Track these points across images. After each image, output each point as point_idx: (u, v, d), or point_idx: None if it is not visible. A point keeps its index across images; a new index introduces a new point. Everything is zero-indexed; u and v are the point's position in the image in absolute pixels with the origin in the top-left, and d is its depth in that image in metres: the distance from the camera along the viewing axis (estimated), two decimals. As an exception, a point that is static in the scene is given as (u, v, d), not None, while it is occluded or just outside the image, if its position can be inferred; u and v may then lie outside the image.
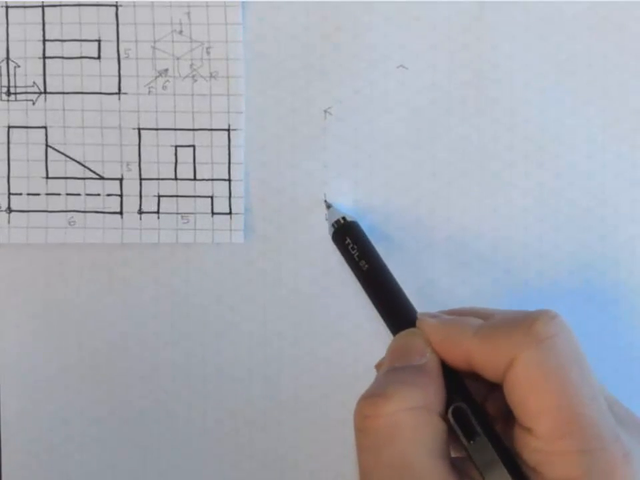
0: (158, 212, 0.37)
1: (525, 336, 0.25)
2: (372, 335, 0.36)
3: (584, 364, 0.26)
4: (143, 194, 0.37)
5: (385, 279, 0.32)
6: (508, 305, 0.36)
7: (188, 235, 0.36)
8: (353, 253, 0.33)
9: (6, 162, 0.37)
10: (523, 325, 0.26)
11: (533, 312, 0.26)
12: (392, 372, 0.27)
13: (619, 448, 0.25)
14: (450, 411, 0.27)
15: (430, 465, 0.25)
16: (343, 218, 0.35)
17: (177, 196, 0.36)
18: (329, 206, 0.36)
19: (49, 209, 0.37)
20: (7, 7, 0.36)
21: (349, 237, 0.34)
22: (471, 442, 0.26)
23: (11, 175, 0.37)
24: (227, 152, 0.36)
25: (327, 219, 0.36)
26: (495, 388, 0.28)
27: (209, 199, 0.36)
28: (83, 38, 0.36)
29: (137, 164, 0.36)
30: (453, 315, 0.30)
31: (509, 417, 0.28)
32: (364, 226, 0.36)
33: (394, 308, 0.31)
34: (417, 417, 0.26)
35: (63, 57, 0.36)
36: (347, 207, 0.36)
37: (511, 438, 0.26)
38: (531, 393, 0.25)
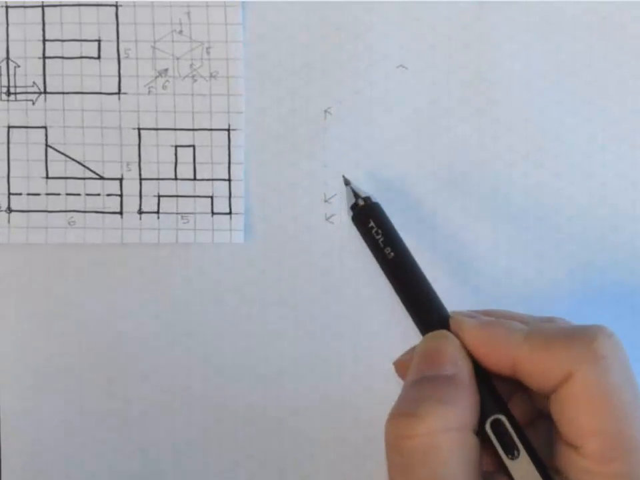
0: (158, 212, 0.37)
1: (585, 351, 0.25)
2: (372, 335, 0.36)
3: (636, 385, 0.25)
4: (143, 194, 0.37)
5: (413, 269, 0.30)
6: (508, 305, 0.36)
7: (188, 235, 0.36)
8: (378, 238, 0.30)
9: (6, 162, 0.37)
10: (583, 339, 0.25)
11: (591, 327, 0.26)
12: (423, 384, 0.26)
13: None
14: (488, 423, 0.26)
15: None
16: (368, 198, 0.32)
17: (177, 196, 0.36)
18: (347, 182, 0.34)
19: (49, 209, 0.37)
20: (6, 7, 0.36)
21: (372, 219, 0.31)
22: (510, 457, 0.26)
23: (11, 175, 0.37)
24: (227, 152, 0.36)
25: (347, 201, 0.34)
26: (516, 392, 0.28)
27: (209, 199, 0.36)
28: (83, 38, 0.36)
29: (137, 164, 0.36)
30: (487, 315, 0.29)
31: (536, 426, 0.27)
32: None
33: (424, 304, 0.29)
34: (451, 439, 0.25)
35: (62, 57, 0.36)
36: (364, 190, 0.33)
37: (552, 453, 0.26)
38: (586, 410, 0.25)
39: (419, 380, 0.27)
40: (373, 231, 0.31)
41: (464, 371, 0.27)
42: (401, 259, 0.30)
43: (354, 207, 0.32)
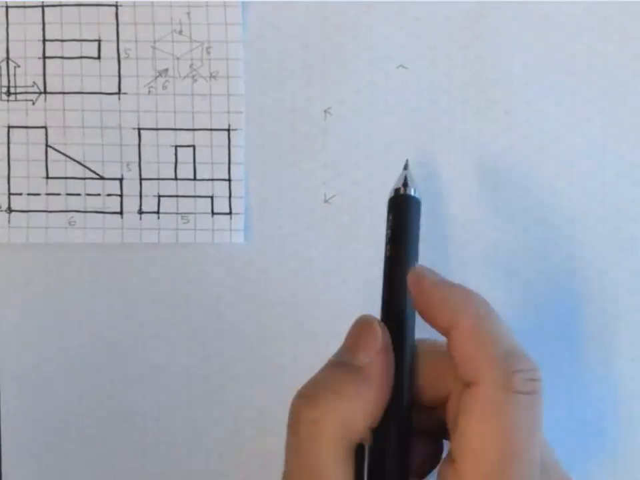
0: (158, 212, 0.37)
1: (500, 373, 0.25)
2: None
3: (539, 429, 0.26)
4: (143, 194, 0.37)
5: (398, 271, 0.30)
6: (508, 304, 0.36)
7: (188, 235, 0.36)
8: (387, 232, 0.31)
9: (6, 162, 0.37)
10: (506, 362, 0.26)
11: (524, 358, 0.26)
12: (333, 369, 0.27)
13: None
14: (355, 448, 0.26)
15: (334, 475, 0.25)
16: (403, 188, 0.32)
17: (177, 196, 0.36)
18: (405, 167, 0.33)
19: (49, 209, 0.37)
20: (7, 7, 0.36)
21: (393, 212, 0.31)
22: None
23: (11, 175, 0.37)
24: (227, 152, 0.36)
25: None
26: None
27: (209, 199, 0.36)
28: (83, 38, 0.36)
29: (137, 164, 0.37)
30: None
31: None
32: (364, 227, 0.36)
33: (391, 302, 0.29)
34: (339, 430, 0.25)
35: (62, 57, 0.36)
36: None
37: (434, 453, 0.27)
38: (476, 427, 0.25)
39: (333, 363, 0.27)
40: (388, 224, 0.31)
41: (376, 365, 0.27)
42: (394, 259, 0.30)
43: (396, 191, 0.32)
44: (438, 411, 0.28)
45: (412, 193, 0.31)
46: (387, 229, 0.31)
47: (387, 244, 0.30)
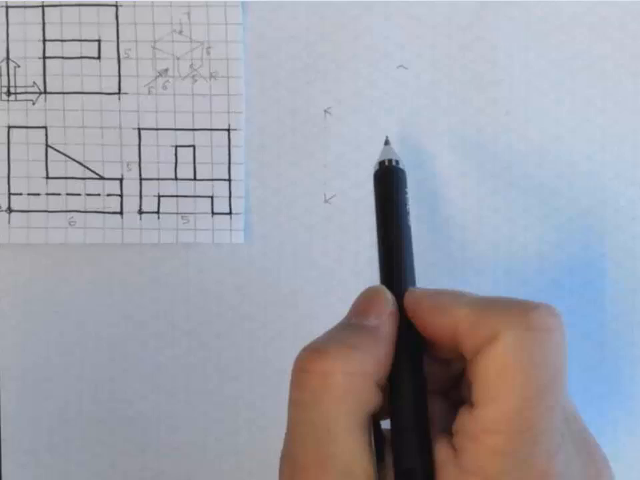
0: (158, 212, 0.37)
1: (518, 317, 0.24)
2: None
3: (561, 372, 0.25)
4: (143, 194, 0.37)
5: (394, 243, 0.30)
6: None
7: (188, 235, 0.36)
8: (376, 206, 0.31)
9: (6, 162, 0.37)
10: (521, 307, 0.25)
11: (537, 302, 0.25)
12: (343, 329, 0.27)
13: (546, 465, 0.24)
14: (373, 421, 0.26)
15: (347, 433, 0.25)
16: (389, 161, 0.32)
17: (177, 196, 0.36)
18: (387, 142, 0.34)
19: (49, 209, 0.37)
20: (7, 7, 0.36)
21: (379, 185, 0.32)
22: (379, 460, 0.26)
23: (11, 175, 0.37)
24: (227, 152, 0.36)
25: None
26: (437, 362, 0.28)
27: (209, 199, 0.36)
28: (83, 38, 0.36)
29: (137, 164, 0.37)
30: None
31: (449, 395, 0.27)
32: (364, 227, 0.36)
33: (393, 272, 0.30)
34: (350, 383, 0.25)
35: (62, 57, 0.36)
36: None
37: (453, 413, 0.26)
38: (495, 374, 0.24)
39: (343, 325, 0.27)
40: (376, 198, 0.31)
41: (386, 326, 0.27)
42: (386, 233, 0.30)
43: (380, 164, 0.32)
44: (453, 365, 0.28)
45: (395, 166, 0.32)
46: (376, 203, 0.31)
47: (377, 218, 0.31)
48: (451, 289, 0.29)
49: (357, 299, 0.28)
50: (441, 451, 0.25)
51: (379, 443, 0.26)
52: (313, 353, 0.25)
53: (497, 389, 0.24)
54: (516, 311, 0.25)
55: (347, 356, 0.25)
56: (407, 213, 0.31)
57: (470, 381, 0.25)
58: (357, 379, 0.25)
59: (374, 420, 0.26)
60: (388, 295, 0.28)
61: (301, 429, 0.25)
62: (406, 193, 0.32)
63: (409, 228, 0.31)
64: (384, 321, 0.27)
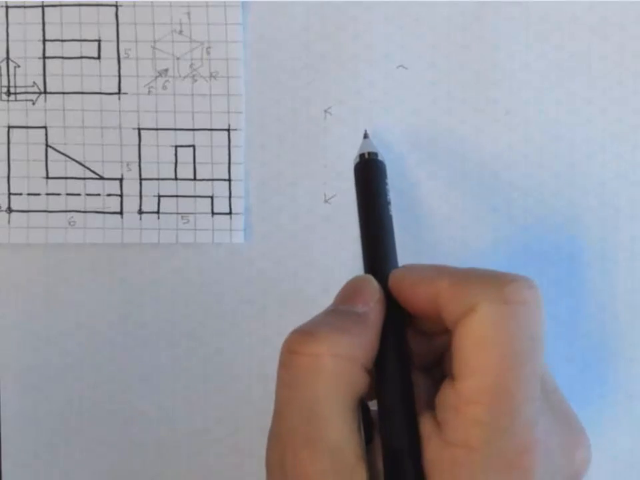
0: (158, 212, 0.37)
1: (494, 290, 0.25)
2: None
3: (537, 343, 0.25)
4: (143, 194, 0.37)
5: (376, 233, 0.31)
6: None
7: (188, 235, 0.36)
8: (357, 198, 0.32)
9: (6, 162, 0.37)
10: (498, 279, 0.25)
11: (515, 274, 0.26)
12: (332, 313, 0.27)
13: (526, 434, 0.24)
14: (361, 405, 0.26)
15: (335, 416, 0.25)
16: (369, 153, 0.33)
17: (177, 196, 0.36)
18: (365, 136, 0.35)
19: (49, 209, 0.37)
20: (7, 7, 0.36)
21: (361, 177, 0.33)
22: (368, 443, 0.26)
23: (11, 175, 0.37)
24: (227, 152, 0.36)
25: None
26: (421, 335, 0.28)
27: (209, 199, 0.36)
28: (83, 38, 0.36)
29: (137, 164, 0.37)
30: None
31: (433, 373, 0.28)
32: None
33: (374, 256, 0.30)
34: (338, 365, 0.25)
35: (62, 57, 0.36)
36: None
37: (437, 388, 0.26)
38: (473, 347, 0.25)
39: (331, 310, 0.28)
40: (357, 190, 0.32)
41: (373, 312, 0.27)
42: (366, 221, 0.31)
43: (361, 157, 0.33)
44: (437, 341, 0.28)
45: (373, 158, 0.33)
46: (357, 194, 0.32)
47: (359, 209, 0.32)
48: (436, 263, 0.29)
49: (344, 287, 0.29)
50: (425, 426, 0.26)
51: (367, 425, 0.27)
52: (302, 335, 0.26)
53: (475, 360, 0.25)
54: (493, 283, 0.25)
55: (335, 339, 0.26)
56: (388, 203, 0.32)
57: (452, 352, 0.26)
58: (345, 361, 0.25)
59: (362, 403, 0.27)
60: (375, 284, 0.28)
61: (290, 408, 0.26)
62: (386, 184, 0.32)
63: (390, 218, 0.31)
64: (371, 307, 0.27)
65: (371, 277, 0.29)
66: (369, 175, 0.33)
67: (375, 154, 0.33)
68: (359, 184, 0.33)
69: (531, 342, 0.25)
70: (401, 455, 0.25)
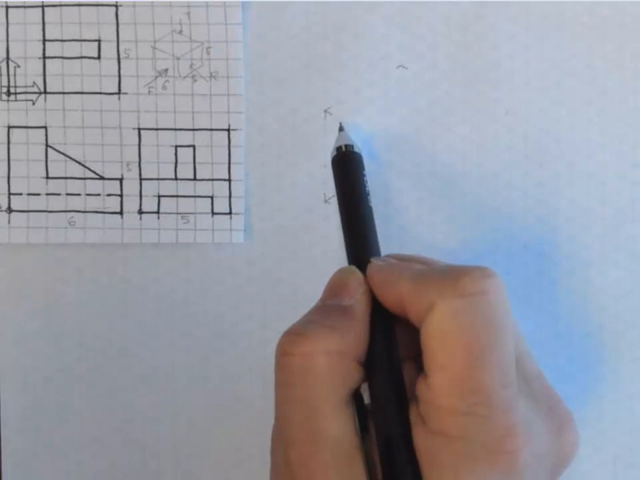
0: (158, 212, 0.37)
1: (450, 285, 0.25)
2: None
3: (503, 330, 0.26)
4: (143, 194, 0.37)
5: (357, 223, 0.32)
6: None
7: (188, 235, 0.36)
8: (337, 191, 0.33)
9: (6, 162, 0.37)
10: (453, 275, 0.26)
11: (471, 266, 0.26)
12: (319, 310, 0.28)
13: (506, 419, 0.25)
14: (354, 395, 0.27)
15: (333, 409, 0.26)
16: (345, 146, 0.34)
17: (177, 196, 0.36)
18: (341, 129, 0.35)
19: (49, 209, 0.37)
20: (7, 7, 0.36)
21: (339, 170, 0.34)
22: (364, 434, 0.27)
23: (11, 175, 0.37)
24: (227, 152, 0.36)
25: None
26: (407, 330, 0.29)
27: (209, 199, 0.36)
28: (83, 38, 0.36)
29: (137, 164, 0.37)
30: (404, 260, 0.30)
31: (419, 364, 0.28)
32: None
33: (355, 246, 0.31)
34: (330, 361, 0.26)
35: (62, 57, 0.36)
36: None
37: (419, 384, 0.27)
38: (438, 343, 0.25)
39: (319, 307, 0.28)
40: (336, 183, 0.33)
41: (359, 304, 0.28)
42: (347, 211, 0.32)
43: (338, 150, 0.34)
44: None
45: (350, 150, 0.34)
46: (336, 187, 0.33)
47: (339, 201, 0.32)
48: (408, 257, 0.30)
49: (330, 281, 0.29)
50: (412, 414, 0.26)
51: (363, 416, 0.27)
52: (293, 336, 0.26)
53: (441, 355, 0.25)
54: (449, 279, 0.26)
55: (325, 336, 0.26)
56: (367, 194, 0.32)
57: (422, 347, 0.26)
58: (336, 357, 0.26)
59: (356, 394, 0.27)
60: (359, 275, 0.29)
61: (289, 407, 0.26)
62: (364, 175, 0.33)
63: (370, 208, 0.32)
64: (358, 299, 0.28)
65: (354, 269, 0.29)
66: (347, 167, 0.33)
67: (352, 146, 0.34)
68: (338, 177, 0.34)
69: (495, 330, 0.25)
70: (394, 442, 0.26)
